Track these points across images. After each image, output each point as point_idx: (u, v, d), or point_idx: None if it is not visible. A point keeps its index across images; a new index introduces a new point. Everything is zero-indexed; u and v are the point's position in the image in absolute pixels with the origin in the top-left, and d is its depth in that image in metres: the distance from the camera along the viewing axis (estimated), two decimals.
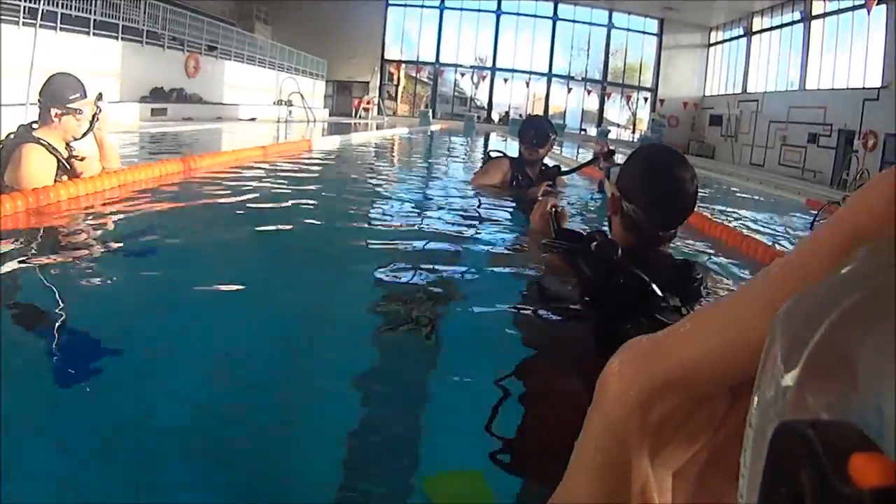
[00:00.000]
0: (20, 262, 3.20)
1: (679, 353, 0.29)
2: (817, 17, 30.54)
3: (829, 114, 28.32)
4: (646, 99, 45.15)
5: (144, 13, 25.02)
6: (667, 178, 2.38)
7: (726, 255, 4.71)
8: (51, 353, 2.24)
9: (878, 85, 25.41)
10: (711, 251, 4.72)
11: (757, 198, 12.93)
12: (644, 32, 44.34)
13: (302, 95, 25.59)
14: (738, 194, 13.33)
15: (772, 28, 35.49)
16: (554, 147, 6.12)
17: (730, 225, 6.05)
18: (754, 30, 37.31)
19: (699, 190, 2.50)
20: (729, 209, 9.57)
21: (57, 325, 2.40)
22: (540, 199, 3.56)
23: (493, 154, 6.39)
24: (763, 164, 32.80)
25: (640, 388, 0.29)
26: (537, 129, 5.74)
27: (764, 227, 7.99)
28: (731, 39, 40.73)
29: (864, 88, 26.33)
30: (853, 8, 26.98)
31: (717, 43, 42.40)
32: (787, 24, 33.80)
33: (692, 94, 42.98)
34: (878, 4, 17.71)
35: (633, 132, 45.41)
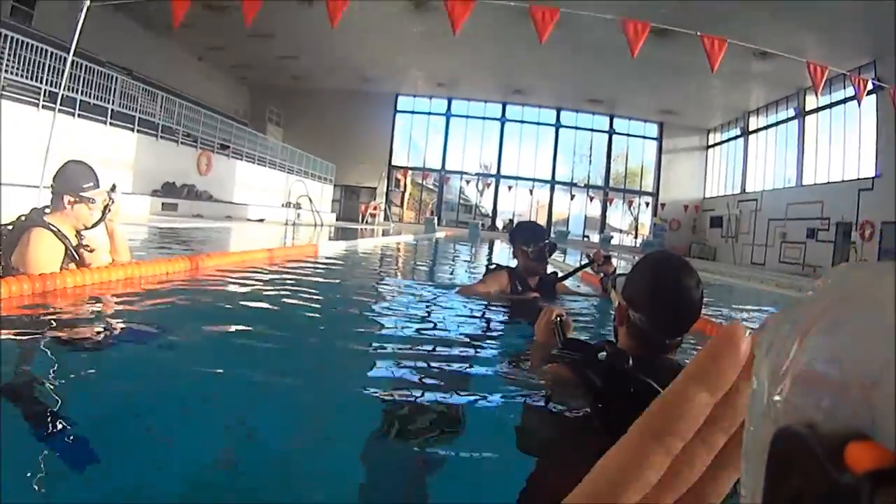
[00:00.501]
0: (20, 345, 3.20)
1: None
2: (811, 112, 31.35)
3: (827, 207, 28.80)
4: (647, 203, 45.75)
5: (161, 107, 25.75)
6: (672, 287, 2.39)
7: None
8: (46, 438, 2.23)
9: (872, 175, 25.99)
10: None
11: (758, 297, 12.97)
12: (644, 137, 45.33)
13: (310, 199, 25.84)
14: (741, 295, 13.29)
15: (767, 126, 36.29)
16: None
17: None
18: (751, 129, 38.14)
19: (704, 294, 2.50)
20: (732, 311, 9.54)
21: (53, 409, 2.41)
22: (543, 308, 3.43)
23: (492, 267, 6.29)
24: (764, 263, 33.18)
25: None
26: (550, 243, 5.77)
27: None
28: (728, 140, 41.55)
29: (858, 179, 26.92)
30: (844, 100, 27.79)
31: (715, 144, 43.25)
32: (782, 122, 34.62)
33: (692, 197, 43.64)
34: (867, 95, 18.19)
35: (636, 237, 45.93)
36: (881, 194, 24.85)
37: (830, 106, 29.60)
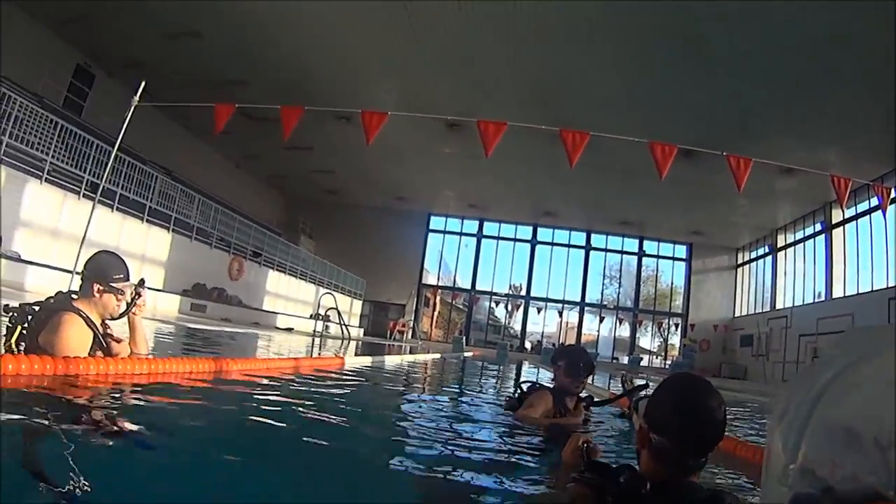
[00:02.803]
0: (35, 424, 3.19)
1: None
2: (837, 224, 31.34)
3: (857, 319, 28.31)
4: (676, 325, 45.47)
5: (197, 209, 26.49)
6: (694, 409, 2.39)
7: (755, 475, 4.34)
8: None
9: None
10: (743, 475, 4.50)
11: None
12: (674, 259, 45.56)
13: (339, 312, 25.94)
14: (770, 413, 13.09)
15: (795, 242, 36.33)
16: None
17: (759, 445, 5.64)
18: (779, 246, 38.16)
19: (728, 414, 2.50)
20: (762, 431, 9.43)
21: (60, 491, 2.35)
22: (573, 434, 3.43)
23: (524, 386, 6.24)
24: None
25: None
26: (586, 362, 5.75)
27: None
28: (757, 258, 41.53)
29: (888, 288, 26.69)
30: (870, 211, 27.99)
31: (744, 263, 43.25)
32: (809, 237, 34.67)
33: (722, 316, 43.33)
34: (892, 204, 18.34)
35: (665, 358, 45.46)
36: None
37: (856, 217, 29.71)
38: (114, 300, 4.32)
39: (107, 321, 4.47)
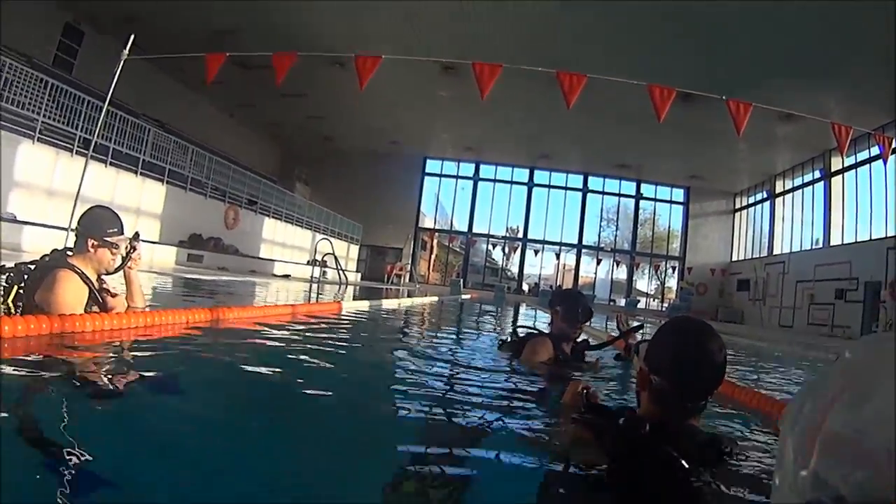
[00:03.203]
0: (34, 382, 3.20)
1: None
2: (836, 172, 31.23)
3: (855, 267, 28.52)
4: (674, 268, 45.61)
5: (191, 160, 26.29)
6: (694, 351, 2.37)
7: (756, 421, 4.53)
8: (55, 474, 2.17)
9: None
10: (741, 418, 4.49)
11: (787, 360, 12.68)
12: (671, 202, 45.46)
13: (336, 257, 25.92)
14: (768, 358, 13.00)
15: (794, 189, 36.30)
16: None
17: (760, 390, 5.87)
18: (777, 192, 38.15)
19: (727, 357, 2.47)
20: (758, 374, 9.29)
21: (62, 451, 2.34)
22: (572, 379, 3.52)
23: (520, 332, 6.26)
24: (792, 325, 32.80)
25: None
26: (584, 308, 5.73)
27: (792, 388, 7.71)
28: (755, 203, 41.53)
29: (886, 237, 26.65)
30: (870, 160, 27.85)
31: (741, 208, 43.25)
32: (808, 184, 34.59)
33: (719, 260, 43.45)
34: (893, 154, 18.16)
35: (662, 301, 45.78)
36: None
37: (856, 166, 29.62)
38: (109, 254, 4.32)
39: (103, 276, 4.48)
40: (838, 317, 29.22)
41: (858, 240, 29.33)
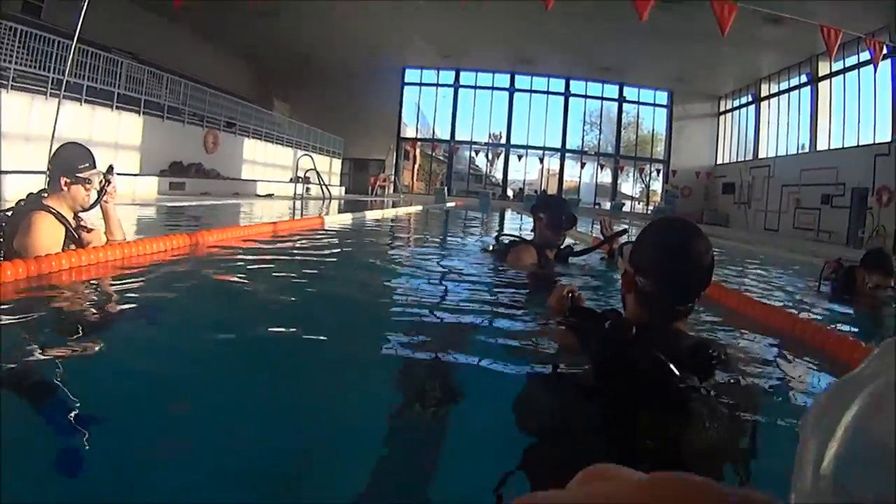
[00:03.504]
0: (20, 327, 3.18)
1: None
2: (824, 77, 30.94)
3: (842, 173, 28.54)
4: (658, 171, 45.58)
5: (166, 89, 25.69)
6: (681, 251, 2.31)
7: (743, 324, 4.59)
8: (46, 419, 2.23)
9: (889, 140, 25.62)
10: (728, 322, 4.57)
11: (771, 263, 12.75)
12: (655, 105, 45.05)
13: (318, 173, 25.70)
14: (753, 261, 13.04)
15: (779, 93, 35.96)
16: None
17: (746, 293, 5.96)
18: (763, 96, 37.78)
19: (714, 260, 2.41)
20: (744, 277, 9.38)
21: (52, 392, 2.39)
22: (558, 283, 3.38)
23: (504, 240, 6.24)
24: (777, 229, 32.98)
25: None
26: (568, 215, 5.65)
27: (780, 292, 7.93)
28: (740, 107, 41.19)
29: (874, 144, 26.56)
30: (859, 65, 27.48)
31: (726, 111, 42.89)
32: (794, 88, 34.25)
33: (704, 164, 43.31)
34: (884, 59, 17.90)
35: (647, 204, 45.76)
36: None
37: (844, 71, 29.26)
38: (82, 191, 4.28)
39: (80, 214, 4.45)
40: (824, 222, 29.42)
41: (845, 145, 29.19)
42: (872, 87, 26.68)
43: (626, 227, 7.66)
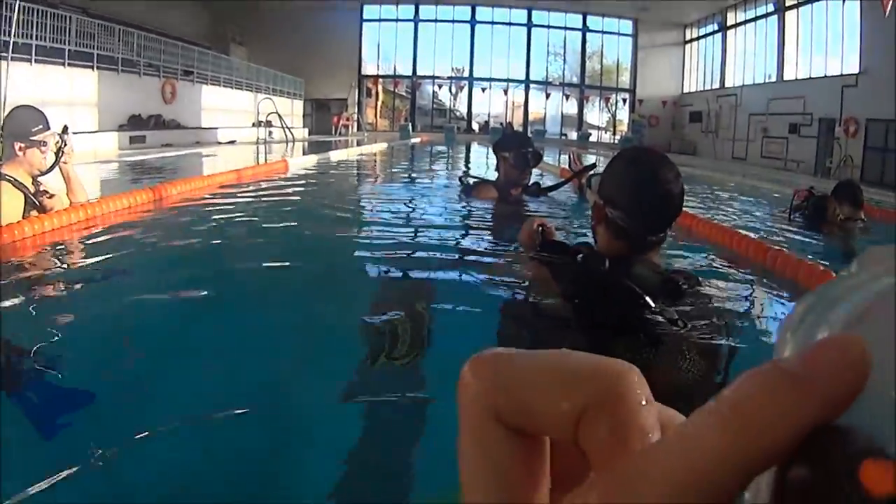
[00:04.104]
0: None
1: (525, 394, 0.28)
2: (791, 7, 30.82)
3: (809, 103, 28.61)
4: (624, 100, 45.37)
5: (119, 41, 25.03)
6: (651, 180, 2.30)
7: (715, 253, 4.69)
8: (22, 388, 2.21)
9: (857, 71, 25.66)
10: (700, 251, 4.64)
11: (741, 192, 12.91)
12: (619, 34, 44.56)
13: (280, 116, 25.47)
14: (722, 190, 13.22)
15: (746, 21, 35.79)
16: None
17: (716, 222, 6.01)
18: (729, 24, 37.59)
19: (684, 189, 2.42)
20: (713, 206, 9.54)
21: (25, 361, 2.37)
22: (528, 217, 3.50)
23: (470, 181, 6.17)
24: (745, 158, 33.00)
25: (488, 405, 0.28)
26: (533, 152, 5.50)
27: (750, 221, 7.97)
28: (706, 35, 41.02)
29: (842, 75, 26.57)
30: None
31: (692, 40, 42.64)
32: (761, 17, 34.07)
33: (671, 93, 43.20)
34: None
35: (614, 134, 45.55)
36: (866, 90, 24.52)
37: (811, 1, 29.17)
38: (38, 154, 4.21)
39: (39, 178, 4.41)
40: (792, 151, 29.60)
41: (812, 76, 29.24)
42: (840, 19, 26.62)
43: (595, 160, 7.65)
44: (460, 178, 6.52)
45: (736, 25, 37.02)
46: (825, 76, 28.08)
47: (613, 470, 0.24)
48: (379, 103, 47.62)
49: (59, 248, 4.23)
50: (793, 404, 0.22)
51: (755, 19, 34.76)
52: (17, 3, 10.67)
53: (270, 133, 27.14)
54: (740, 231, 5.50)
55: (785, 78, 31.54)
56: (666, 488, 0.23)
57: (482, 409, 0.28)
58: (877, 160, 23.91)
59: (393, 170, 13.93)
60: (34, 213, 4.31)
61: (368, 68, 46.34)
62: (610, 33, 44.90)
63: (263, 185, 8.35)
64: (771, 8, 32.59)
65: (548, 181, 6.73)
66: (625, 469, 0.24)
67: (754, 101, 33.38)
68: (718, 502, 0.22)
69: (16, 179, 4.13)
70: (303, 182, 9.46)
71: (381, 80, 47.25)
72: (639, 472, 0.24)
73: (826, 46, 28.44)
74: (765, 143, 32.08)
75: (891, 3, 16.59)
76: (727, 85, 37.67)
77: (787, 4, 31.10)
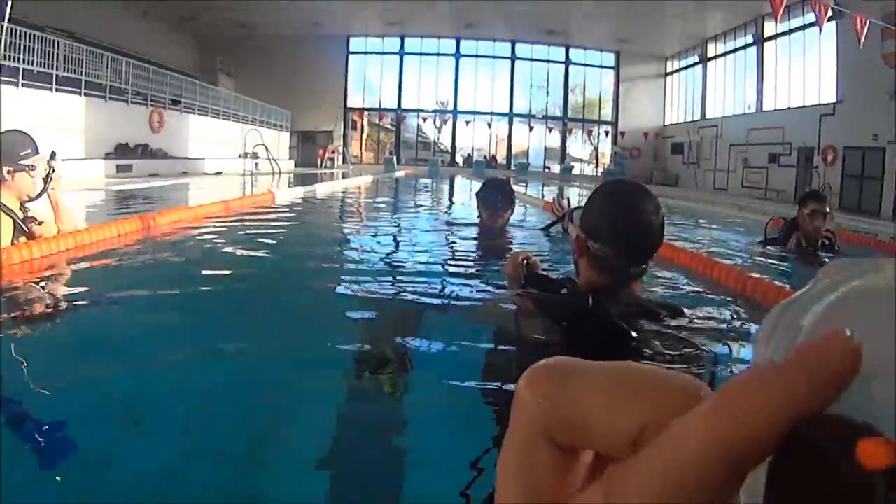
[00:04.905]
0: None
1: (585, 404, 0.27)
2: (769, 38, 31.44)
3: (788, 133, 29.12)
4: (607, 132, 45.66)
5: (108, 68, 25.00)
6: (631, 212, 2.32)
7: (696, 283, 4.74)
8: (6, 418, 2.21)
9: (834, 100, 26.17)
10: (681, 281, 4.70)
11: (721, 222, 12.98)
12: (601, 67, 45.09)
13: (266, 147, 25.51)
14: (703, 220, 13.32)
15: (726, 53, 36.39)
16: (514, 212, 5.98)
17: (697, 252, 6.09)
18: (709, 56, 38.22)
19: (665, 220, 2.44)
20: (695, 236, 9.59)
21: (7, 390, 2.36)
22: (513, 251, 3.50)
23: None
24: (726, 188, 33.48)
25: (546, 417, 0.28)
26: (505, 195, 5.63)
27: (730, 250, 8.07)
28: (686, 67, 41.58)
29: (819, 105, 27.12)
30: (804, 27, 27.90)
31: (673, 72, 43.23)
32: (740, 48, 34.73)
33: (652, 125, 43.68)
34: (828, 21, 18.14)
35: (597, 166, 45.84)
36: (843, 119, 25.08)
37: (789, 32, 29.70)
38: (27, 178, 4.14)
39: (27, 205, 4.33)
40: (772, 180, 30.05)
41: (791, 106, 29.73)
42: (817, 49, 27.16)
43: (577, 204, 7.79)
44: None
45: (716, 57, 37.57)
46: (803, 106, 28.58)
47: (615, 468, 0.24)
48: (364, 136, 47.82)
49: (47, 275, 4.20)
50: (780, 393, 0.22)
51: (734, 51, 35.35)
52: (4, 24, 10.74)
53: (257, 164, 27.13)
54: (719, 260, 5.64)
55: (764, 108, 32.06)
56: (658, 485, 0.22)
57: (535, 430, 0.27)
58: (854, 187, 24.42)
59: (378, 203, 13.93)
60: (23, 239, 4.27)
61: (354, 101, 46.48)
62: (592, 66, 45.40)
63: (250, 216, 8.39)
64: (750, 39, 33.24)
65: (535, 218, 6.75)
66: (624, 467, 0.24)
67: (734, 131, 33.84)
68: (714, 496, 0.22)
69: (4, 204, 4.07)
70: (290, 214, 9.53)
71: (366, 112, 47.37)
72: (636, 468, 0.23)
73: (804, 77, 28.93)
74: (745, 173, 32.51)
75: (865, 31, 16.97)
76: (708, 116, 38.11)
77: (765, 36, 31.72)
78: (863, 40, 17.33)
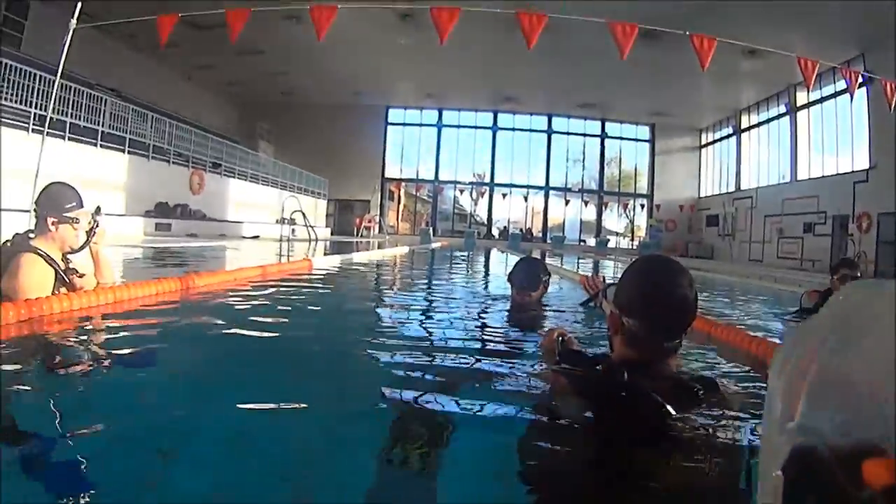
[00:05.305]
0: (9, 373, 3.06)
1: None
2: (802, 107, 31.43)
3: (822, 201, 28.92)
4: (642, 205, 45.81)
5: (151, 127, 25.64)
6: (663, 288, 2.34)
7: (732, 357, 4.53)
8: (36, 468, 2.13)
9: (867, 167, 26.07)
10: (717, 355, 4.51)
11: (757, 293, 12.81)
12: (637, 140, 45.44)
13: (304, 214, 25.73)
14: (739, 293, 13.17)
15: (759, 124, 36.41)
16: (548, 287, 6.01)
17: (733, 325, 5.91)
18: (743, 127, 38.24)
19: (700, 294, 2.45)
20: (730, 309, 9.41)
21: (42, 439, 2.32)
22: (549, 328, 3.49)
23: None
24: (762, 259, 33.21)
25: None
26: (531, 276, 5.70)
27: (766, 322, 7.82)
28: (721, 139, 41.63)
29: (853, 172, 26.97)
30: (835, 94, 28.02)
31: (708, 144, 43.37)
32: (773, 118, 34.74)
33: (687, 196, 43.75)
34: (859, 87, 18.21)
35: (632, 239, 45.88)
36: (877, 185, 24.93)
37: (821, 101, 29.72)
38: (71, 230, 4.17)
39: (68, 256, 4.33)
40: (807, 250, 29.71)
41: (825, 174, 29.58)
42: (849, 116, 27.14)
43: (611, 281, 7.70)
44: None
45: (749, 128, 37.58)
46: (837, 174, 28.41)
47: None
48: (401, 206, 48.31)
49: (85, 327, 4.12)
50: None
51: (768, 121, 35.35)
52: (57, 79, 11.12)
53: (294, 231, 27.32)
54: (755, 334, 5.41)
55: (798, 177, 31.86)
56: None
57: None
58: (890, 253, 24.07)
59: (414, 274, 13.80)
60: (63, 289, 4.24)
61: (392, 171, 47.11)
62: (628, 139, 45.77)
63: (288, 282, 8.32)
64: (783, 109, 33.24)
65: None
66: None
67: (769, 202, 33.69)
68: None
69: (47, 254, 4.08)
70: (327, 282, 9.46)
71: (403, 183, 48.01)
72: None
73: (837, 144, 28.85)
74: (780, 244, 32.21)
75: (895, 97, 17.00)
76: (743, 187, 37.96)
77: (798, 105, 31.70)
78: (893, 105, 17.33)
